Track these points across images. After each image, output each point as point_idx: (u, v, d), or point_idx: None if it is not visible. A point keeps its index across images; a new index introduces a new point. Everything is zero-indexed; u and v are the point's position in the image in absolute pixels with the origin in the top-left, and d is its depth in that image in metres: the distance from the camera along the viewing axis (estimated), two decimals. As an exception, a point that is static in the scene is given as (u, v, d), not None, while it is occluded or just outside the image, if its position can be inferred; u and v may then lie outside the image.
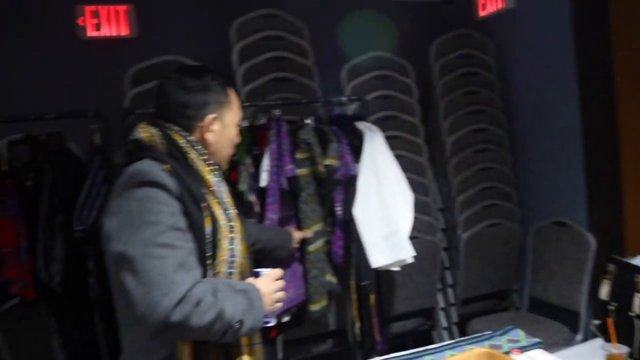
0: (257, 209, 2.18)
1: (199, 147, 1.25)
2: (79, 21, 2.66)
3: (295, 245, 2.15)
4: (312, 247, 2.28)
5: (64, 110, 2.29)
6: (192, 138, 1.25)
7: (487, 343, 1.68)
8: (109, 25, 2.69)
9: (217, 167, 1.28)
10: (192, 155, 1.23)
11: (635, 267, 2.45)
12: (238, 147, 2.17)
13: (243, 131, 2.24)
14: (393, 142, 2.75)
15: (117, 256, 1.11)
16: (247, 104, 2.43)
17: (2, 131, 2.26)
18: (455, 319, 3.14)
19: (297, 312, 2.33)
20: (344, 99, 2.52)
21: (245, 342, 1.24)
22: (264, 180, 2.19)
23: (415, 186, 2.80)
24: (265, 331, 2.25)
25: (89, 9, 2.67)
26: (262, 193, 2.19)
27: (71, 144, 2.37)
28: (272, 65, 2.63)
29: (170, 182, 1.14)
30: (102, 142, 2.27)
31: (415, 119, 2.98)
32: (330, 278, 2.39)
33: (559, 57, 2.83)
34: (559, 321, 2.83)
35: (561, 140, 2.88)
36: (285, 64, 2.68)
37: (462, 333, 3.06)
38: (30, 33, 2.71)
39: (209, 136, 1.28)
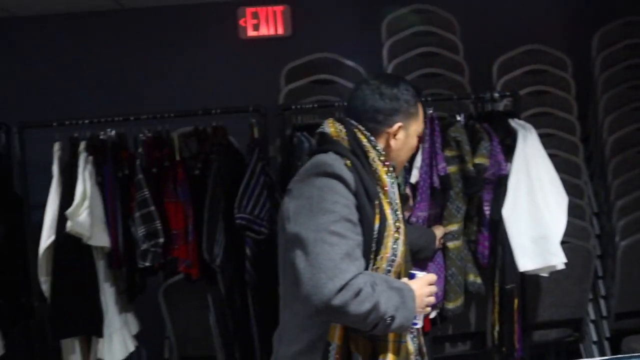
0: (411, 202, 2.20)
1: (379, 147, 1.32)
2: (241, 22, 2.87)
3: (439, 245, 2.16)
4: (451, 245, 2.26)
5: (226, 106, 2.49)
6: (373, 139, 1.32)
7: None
8: (267, 25, 2.87)
9: (392, 168, 1.34)
10: (372, 154, 1.29)
11: None
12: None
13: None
14: (546, 141, 2.61)
15: (291, 236, 1.20)
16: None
17: (175, 124, 2.52)
18: (607, 333, 2.91)
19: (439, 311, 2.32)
20: (496, 95, 2.43)
21: (392, 338, 1.27)
22: (414, 176, 2.21)
23: (568, 188, 2.62)
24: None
25: (249, 10, 2.88)
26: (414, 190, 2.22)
27: (232, 137, 2.57)
28: (422, 61, 2.63)
29: (349, 176, 1.21)
30: (260, 136, 2.43)
31: (572, 116, 2.80)
32: (475, 278, 2.33)
33: None
34: None
35: None
36: (435, 59, 2.66)
37: (615, 350, 2.86)
38: (197, 36, 2.98)
39: (393, 142, 1.34)
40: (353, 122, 1.33)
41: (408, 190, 2.24)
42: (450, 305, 2.31)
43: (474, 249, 2.33)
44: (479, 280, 2.34)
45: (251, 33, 2.88)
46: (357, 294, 1.12)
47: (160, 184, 2.38)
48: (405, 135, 1.36)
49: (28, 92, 2.96)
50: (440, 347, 2.66)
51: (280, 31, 2.90)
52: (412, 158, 2.21)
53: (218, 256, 2.36)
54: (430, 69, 2.67)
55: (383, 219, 1.24)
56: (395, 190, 1.34)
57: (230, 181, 2.39)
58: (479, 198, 2.29)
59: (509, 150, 2.28)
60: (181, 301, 2.63)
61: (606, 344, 2.93)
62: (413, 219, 2.20)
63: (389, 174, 1.31)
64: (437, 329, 2.45)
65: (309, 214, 1.18)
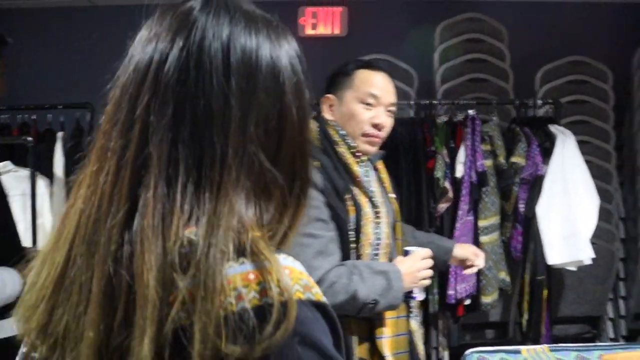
0: (450, 194, 2.43)
1: (349, 140, 1.41)
2: (300, 21, 3.09)
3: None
4: (486, 239, 2.47)
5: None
6: (344, 132, 1.42)
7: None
8: (325, 25, 3.08)
9: (364, 158, 1.42)
10: (342, 148, 1.39)
11: None
12: (436, 138, 2.48)
13: (441, 125, 2.53)
14: (582, 147, 2.79)
15: None
16: (444, 101, 2.69)
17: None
18: (623, 332, 3.08)
19: (471, 301, 2.53)
20: (539, 102, 2.63)
21: (387, 315, 1.36)
22: (459, 171, 2.43)
23: (599, 192, 2.81)
24: (452, 311, 2.48)
25: (309, 10, 3.09)
26: (456, 184, 2.45)
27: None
28: (470, 66, 2.83)
29: (317, 177, 1.30)
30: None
31: (608, 125, 2.96)
32: (504, 276, 2.53)
33: None
34: None
35: None
36: (483, 65, 2.86)
37: (631, 348, 3.01)
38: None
39: (327, 115, 1.46)
40: (326, 116, 1.44)
41: (447, 184, 2.45)
42: (488, 299, 2.50)
43: (508, 244, 2.55)
44: (508, 278, 2.55)
45: (309, 32, 3.08)
46: (331, 286, 1.23)
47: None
48: (340, 104, 1.44)
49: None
50: (463, 335, 2.87)
51: (337, 31, 3.10)
52: (454, 154, 2.44)
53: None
54: (478, 74, 2.87)
55: (358, 209, 1.34)
56: (371, 177, 1.42)
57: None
58: (515, 196, 2.51)
59: (547, 153, 2.49)
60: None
61: (622, 342, 3.10)
62: (460, 212, 2.41)
63: (361, 164, 1.40)
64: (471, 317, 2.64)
65: None
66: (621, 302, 3.10)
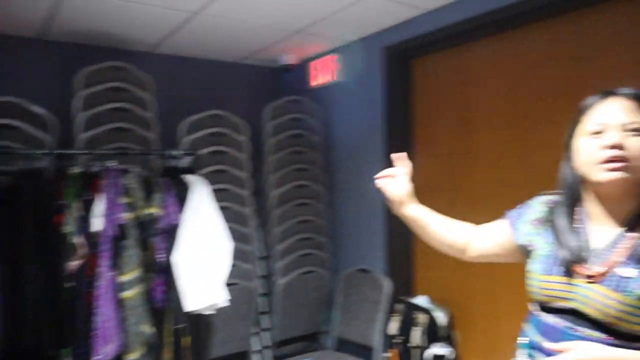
0: (82, 251, 2.28)
1: None
2: None
3: None
4: (129, 293, 2.39)
5: None
6: None
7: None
8: None
9: None
10: None
11: (415, 305, 3.00)
12: (67, 190, 2.31)
13: (74, 176, 2.38)
14: (222, 194, 3.04)
15: None
16: (85, 151, 2.56)
17: None
18: (270, 360, 3.42)
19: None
20: (176, 152, 2.75)
21: None
22: (96, 225, 2.30)
23: (238, 235, 3.09)
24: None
25: None
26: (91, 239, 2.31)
27: None
28: (113, 115, 2.78)
29: None
30: None
31: (244, 173, 3.28)
32: (148, 329, 2.48)
33: (370, 126, 3.36)
34: (358, 356, 3.26)
35: (367, 199, 3.39)
36: (127, 114, 2.84)
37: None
38: None
39: None
40: None
41: (79, 240, 2.31)
42: (135, 356, 2.41)
43: (149, 295, 2.53)
44: (152, 330, 2.50)
45: None
46: None
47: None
48: None
49: None
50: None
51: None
52: (89, 207, 2.33)
53: None
54: (121, 123, 2.83)
55: None
56: None
57: None
58: (154, 247, 2.53)
59: (184, 202, 2.60)
60: None
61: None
62: (102, 269, 2.28)
63: None
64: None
65: None
66: (265, 334, 3.43)
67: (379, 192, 3.17)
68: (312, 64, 3.79)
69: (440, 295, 3.04)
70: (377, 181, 1.57)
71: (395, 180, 1.59)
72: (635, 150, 1.16)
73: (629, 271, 1.14)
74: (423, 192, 3.13)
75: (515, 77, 2.70)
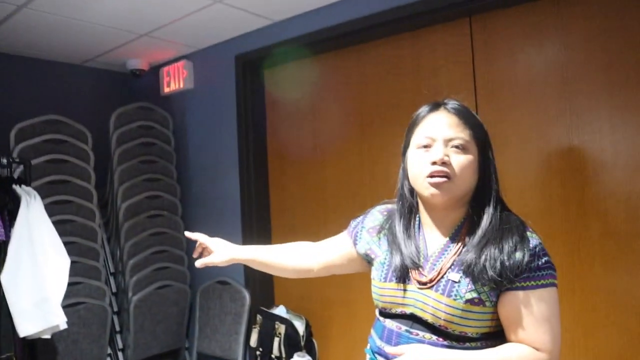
0: None
1: None
2: None
3: None
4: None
5: None
6: None
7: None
8: None
9: None
10: None
11: (274, 315, 2.97)
12: None
13: None
14: (64, 207, 2.76)
15: None
16: None
17: None
18: (124, 381, 3.17)
19: None
20: (4, 161, 2.44)
21: None
22: None
23: (85, 251, 2.84)
24: None
25: None
26: None
27: None
28: None
29: None
30: None
31: (90, 185, 3.02)
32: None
33: (225, 136, 3.30)
34: (221, 372, 3.15)
35: (224, 209, 3.31)
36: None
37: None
38: None
39: None
40: None
41: None
42: None
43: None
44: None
45: None
46: None
47: None
48: None
49: None
50: None
51: None
52: None
53: None
54: None
55: None
56: None
57: None
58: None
59: (13, 216, 2.30)
60: None
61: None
62: None
63: None
64: None
65: None
66: (120, 354, 3.17)
67: (234, 201, 3.23)
68: (164, 69, 3.63)
69: (298, 305, 3.05)
70: (197, 263, 1.54)
71: (208, 249, 1.58)
72: (457, 167, 1.22)
73: (456, 275, 1.21)
74: (279, 204, 3.22)
75: (361, 88, 2.83)
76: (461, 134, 1.24)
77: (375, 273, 1.36)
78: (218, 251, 1.54)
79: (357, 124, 2.85)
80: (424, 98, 1.35)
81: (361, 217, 1.51)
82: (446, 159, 1.22)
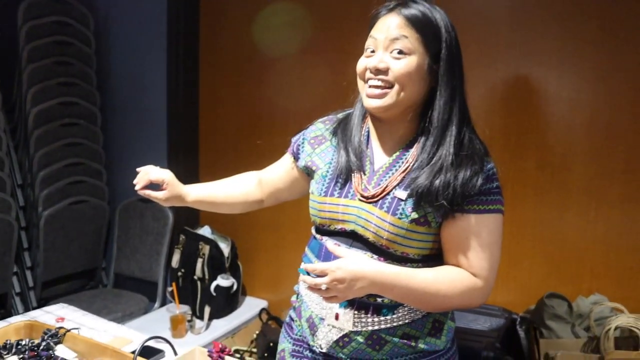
0: None
1: None
2: None
3: None
4: None
5: None
6: None
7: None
8: None
9: None
10: None
11: (199, 235, 2.83)
12: None
13: None
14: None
15: None
16: None
17: None
18: (34, 303, 2.95)
19: None
20: None
21: None
22: None
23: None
24: None
25: None
26: None
27: None
28: None
29: None
30: None
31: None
32: None
33: (153, 44, 2.99)
34: (140, 293, 3.01)
35: (149, 123, 3.07)
36: None
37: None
38: None
39: None
40: None
41: None
42: None
43: None
44: None
45: None
46: None
47: None
48: None
49: None
50: None
51: None
52: None
53: None
54: None
55: None
56: None
57: None
58: None
59: None
60: None
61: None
62: None
63: None
64: None
65: None
66: (28, 273, 2.95)
67: (160, 114, 2.99)
68: (84, -40, 3.20)
69: (224, 226, 2.92)
70: (140, 192, 1.34)
71: (153, 181, 1.37)
72: (396, 73, 1.10)
73: (402, 193, 1.12)
74: (210, 122, 3.00)
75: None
76: (405, 39, 1.10)
77: (315, 187, 1.25)
78: (167, 187, 1.36)
79: (300, 34, 2.66)
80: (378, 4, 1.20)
81: (302, 131, 1.38)
82: (381, 65, 1.11)
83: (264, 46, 2.78)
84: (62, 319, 1.65)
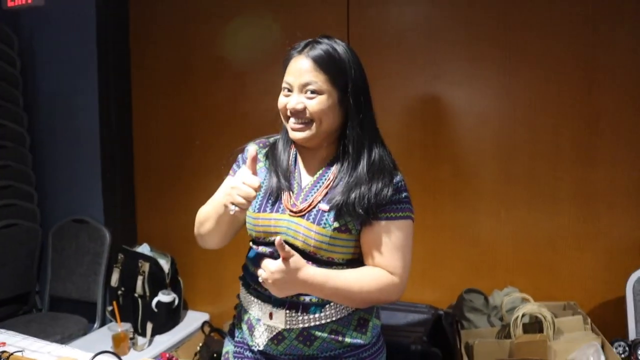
0: None
1: None
2: None
3: None
4: None
5: None
6: None
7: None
8: None
9: None
10: None
11: (138, 253, 2.86)
12: None
13: None
14: None
15: None
16: None
17: None
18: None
19: None
20: None
21: None
22: None
23: None
24: None
25: None
26: None
27: None
28: None
29: None
30: None
31: None
32: None
33: (83, 62, 2.99)
34: (78, 314, 2.98)
35: (81, 143, 3.05)
36: None
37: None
38: None
39: None
40: None
41: None
42: None
43: None
44: None
45: None
46: None
47: None
48: None
49: None
50: None
51: None
52: None
53: None
54: None
55: None
56: None
57: None
58: None
59: None
60: None
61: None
62: None
63: None
64: None
65: None
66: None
67: (92, 133, 2.97)
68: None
69: (163, 244, 2.97)
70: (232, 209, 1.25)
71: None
72: (313, 111, 1.28)
73: (326, 206, 1.30)
74: (144, 139, 3.02)
75: (234, 23, 2.73)
76: (315, 79, 1.27)
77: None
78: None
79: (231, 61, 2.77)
80: (299, 38, 1.35)
81: (239, 155, 1.50)
82: (299, 106, 1.28)
83: (195, 60, 2.86)
84: (4, 344, 1.66)
